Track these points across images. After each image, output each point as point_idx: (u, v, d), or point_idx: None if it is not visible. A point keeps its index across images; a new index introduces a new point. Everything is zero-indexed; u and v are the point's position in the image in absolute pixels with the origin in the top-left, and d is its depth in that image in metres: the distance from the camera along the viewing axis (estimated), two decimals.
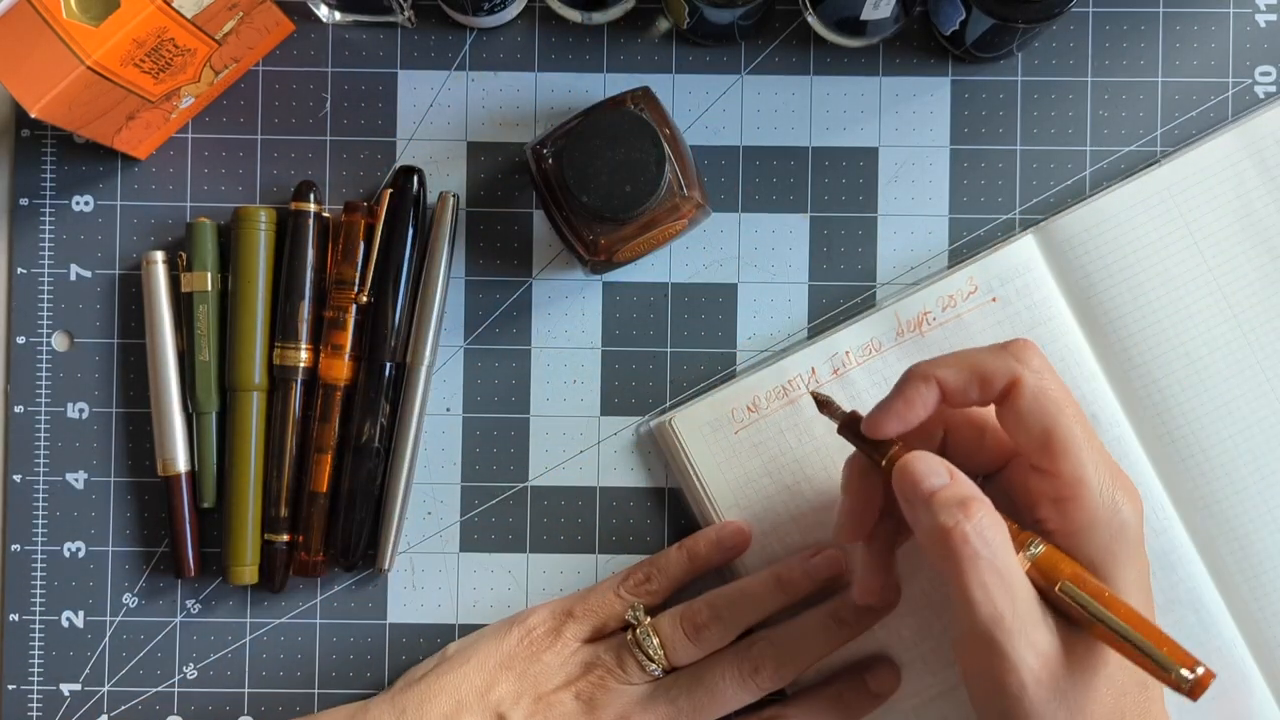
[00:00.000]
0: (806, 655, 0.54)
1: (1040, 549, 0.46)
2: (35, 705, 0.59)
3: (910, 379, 0.48)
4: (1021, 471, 0.49)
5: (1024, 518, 0.48)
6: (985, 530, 0.45)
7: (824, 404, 0.51)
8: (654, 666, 0.54)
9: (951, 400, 0.48)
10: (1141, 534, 0.47)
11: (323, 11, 0.59)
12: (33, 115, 0.49)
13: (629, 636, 0.54)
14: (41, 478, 0.59)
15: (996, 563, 0.44)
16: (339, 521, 0.58)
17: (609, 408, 0.59)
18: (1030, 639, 0.45)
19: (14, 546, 0.59)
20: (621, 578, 0.56)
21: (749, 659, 0.53)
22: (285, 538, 0.58)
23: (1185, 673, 0.43)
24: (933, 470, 0.46)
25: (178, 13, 0.51)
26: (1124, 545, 0.46)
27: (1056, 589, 0.45)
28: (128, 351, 0.59)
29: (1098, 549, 0.46)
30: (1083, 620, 0.45)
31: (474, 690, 0.54)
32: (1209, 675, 0.43)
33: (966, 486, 0.46)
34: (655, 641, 0.54)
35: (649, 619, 0.55)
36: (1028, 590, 0.45)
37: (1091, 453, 0.46)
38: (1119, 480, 0.47)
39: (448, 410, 0.59)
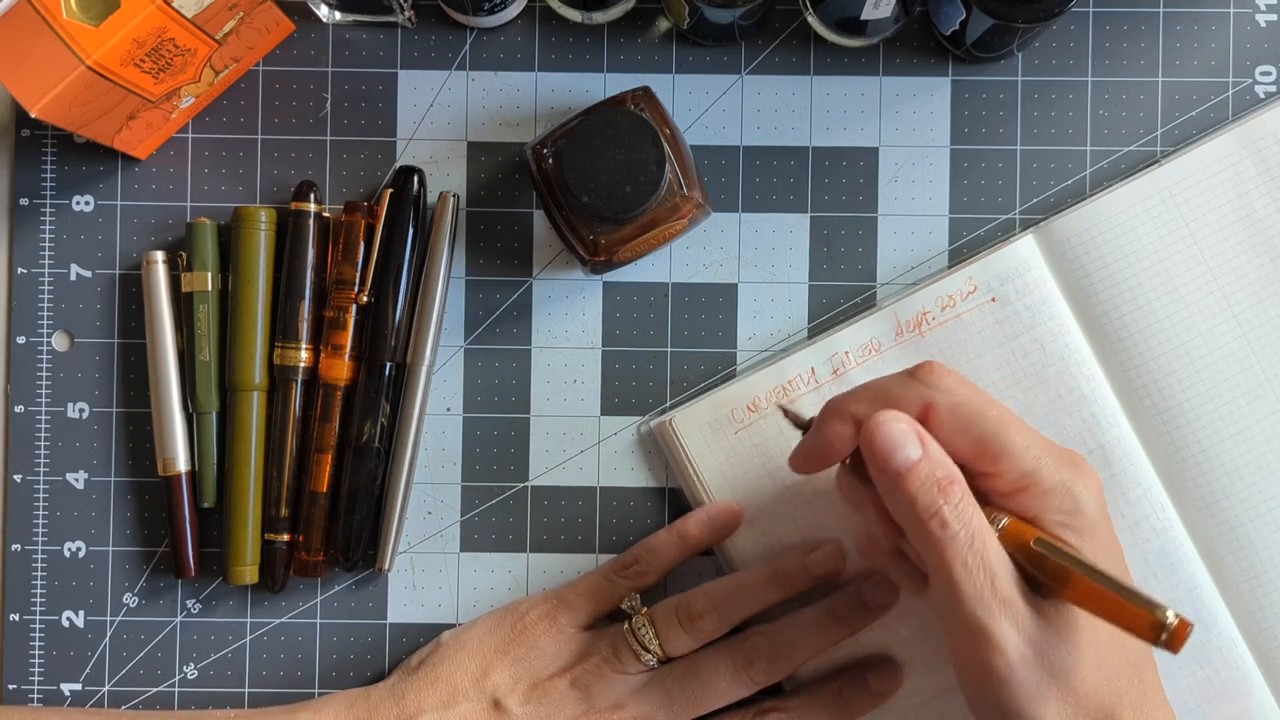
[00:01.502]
0: (802, 651, 0.54)
1: (1005, 520, 0.46)
2: (35, 705, 0.59)
3: (826, 418, 0.48)
4: (970, 475, 0.48)
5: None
6: (964, 511, 0.45)
7: (796, 419, 0.52)
8: (649, 657, 0.54)
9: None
10: (1103, 513, 0.47)
11: (323, 11, 0.59)
12: (33, 115, 0.49)
13: (625, 626, 0.54)
14: (41, 478, 0.59)
15: (975, 543, 0.44)
16: (339, 521, 0.58)
17: (609, 408, 0.59)
18: (1012, 616, 0.44)
19: (14, 546, 0.59)
20: (612, 563, 0.57)
21: (744, 652, 0.53)
22: (285, 538, 0.58)
23: (1165, 616, 0.42)
24: (906, 440, 0.46)
25: (178, 13, 0.51)
26: (1082, 519, 0.46)
27: (1031, 543, 0.45)
28: (128, 351, 0.59)
29: (1055, 525, 0.46)
30: (1059, 579, 0.44)
31: (470, 677, 0.55)
32: (1185, 624, 0.42)
33: (942, 463, 0.46)
34: (650, 631, 0.54)
35: (645, 609, 0.55)
36: (1007, 567, 0.45)
37: (1029, 444, 0.46)
38: (1067, 460, 0.47)
39: (448, 410, 0.59)
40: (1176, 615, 0.42)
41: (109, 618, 0.59)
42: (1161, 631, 0.42)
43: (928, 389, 0.47)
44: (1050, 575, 0.45)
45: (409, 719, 0.54)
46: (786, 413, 0.52)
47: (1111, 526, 0.48)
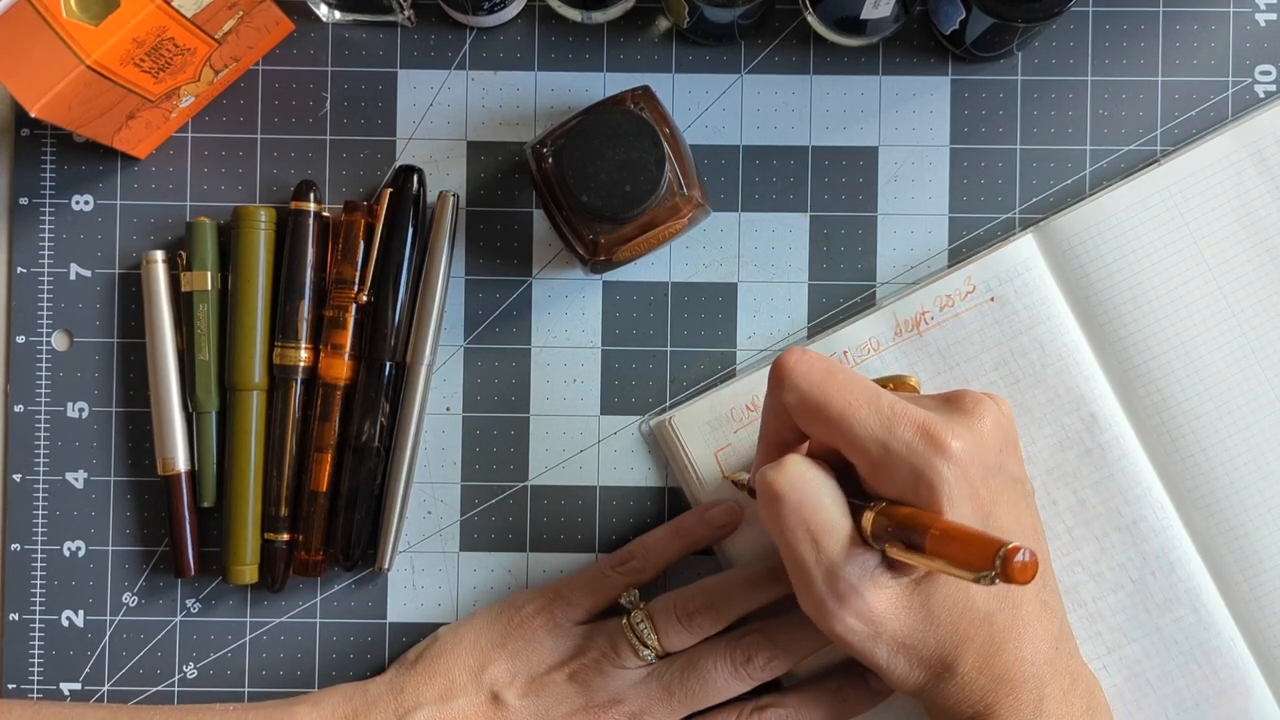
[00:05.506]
0: (799, 648, 0.54)
1: (880, 504, 0.46)
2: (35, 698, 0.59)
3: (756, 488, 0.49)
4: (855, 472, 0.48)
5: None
6: (794, 477, 0.46)
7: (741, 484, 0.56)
8: (648, 652, 0.54)
9: (795, 440, 0.50)
10: (964, 480, 0.45)
11: (323, 11, 0.59)
12: (33, 115, 0.49)
13: (623, 621, 0.54)
14: (41, 477, 0.59)
15: (804, 509, 0.46)
16: (339, 521, 0.58)
17: (609, 407, 0.59)
18: (846, 577, 0.45)
19: (14, 546, 0.59)
20: (609, 558, 0.57)
21: (741, 648, 0.53)
22: (285, 537, 0.58)
23: (985, 573, 0.40)
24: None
25: (178, 12, 0.51)
26: (928, 491, 0.45)
27: (875, 512, 0.45)
28: (128, 351, 0.59)
29: (905, 495, 0.45)
30: (907, 545, 0.44)
31: (468, 670, 0.55)
32: (1017, 549, 0.39)
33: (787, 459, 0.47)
34: (649, 627, 0.54)
35: (643, 604, 0.55)
36: (841, 534, 0.46)
37: (872, 427, 0.45)
38: (921, 431, 0.45)
39: (448, 410, 0.59)
40: (1015, 545, 0.40)
41: (108, 617, 0.59)
42: (995, 559, 0.40)
43: (781, 392, 0.47)
44: (904, 545, 0.44)
45: (407, 712, 0.54)
46: (738, 484, 0.56)
47: (988, 491, 0.45)
